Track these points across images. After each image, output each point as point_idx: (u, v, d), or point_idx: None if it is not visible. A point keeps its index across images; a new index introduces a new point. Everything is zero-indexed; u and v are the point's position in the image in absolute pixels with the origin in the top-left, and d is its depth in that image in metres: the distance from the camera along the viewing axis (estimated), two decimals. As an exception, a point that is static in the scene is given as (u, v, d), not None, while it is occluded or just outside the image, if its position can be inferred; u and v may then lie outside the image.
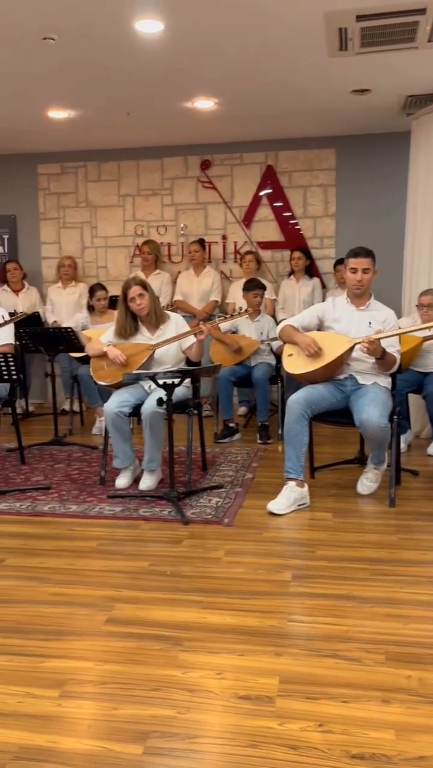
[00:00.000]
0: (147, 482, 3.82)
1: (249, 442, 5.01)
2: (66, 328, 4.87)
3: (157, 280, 6.16)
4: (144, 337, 3.95)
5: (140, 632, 2.23)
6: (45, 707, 1.82)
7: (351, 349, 3.49)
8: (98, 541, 3.08)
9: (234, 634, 2.20)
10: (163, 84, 4.66)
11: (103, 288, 5.46)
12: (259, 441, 4.99)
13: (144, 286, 3.87)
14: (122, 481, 3.90)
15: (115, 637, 2.20)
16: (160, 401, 3.51)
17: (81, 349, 4.96)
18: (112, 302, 5.63)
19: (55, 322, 6.21)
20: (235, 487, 3.84)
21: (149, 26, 3.64)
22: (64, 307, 6.29)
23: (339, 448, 4.73)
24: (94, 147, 6.53)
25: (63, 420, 6.00)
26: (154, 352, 3.87)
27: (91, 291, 5.47)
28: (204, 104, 5.10)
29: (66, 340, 4.90)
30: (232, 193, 6.47)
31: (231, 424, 5.10)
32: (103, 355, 3.95)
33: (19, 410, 5.59)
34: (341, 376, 3.62)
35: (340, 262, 5.71)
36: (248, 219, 6.45)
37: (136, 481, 3.95)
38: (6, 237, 6.91)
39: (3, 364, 3.78)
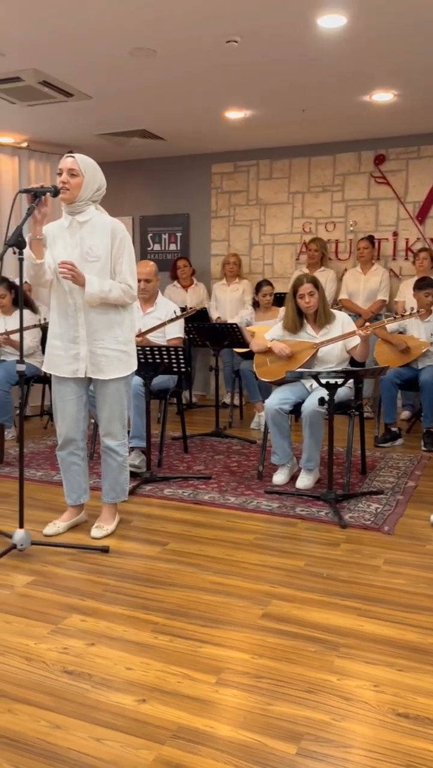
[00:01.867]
0: (304, 481, 3.81)
1: (412, 449, 4.80)
2: (232, 324, 4.98)
3: (322, 278, 6.08)
4: (308, 334, 3.93)
5: (295, 631, 2.22)
6: (203, 691, 1.88)
7: None
8: (255, 534, 3.12)
9: (393, 647, 2.13)
10: (342, 78, 4.58)
11: (270, 284, 5.51)
12: (423, 448, 4.76)
13: (315, 284, 3.85)
14: (280, 478, 3.92)
15: (270, 633, 2.22)
16: (321, 400, 3.48)
17: (245, 344, 5.06)
18: (278, 299, 5.66)
19: (218, 318, 6.39)
20: (396, 495, 3.70)
21: (333, 21, 3.59)
22: (227, 304, 6.44)
23: None
24: (267, 145, 6.60)
25: (223, 413, 6.16)
26: (318, 350, 3.84)
27: (258, 287, 5.54)
28: (382, 97, 4.95)
29: (231, 335, 5.02)
30: (406, 188, 6.22)
31: (393, 429, 4.92)
32: (268, 351, 3.99)
33: (183, 401, 5.82)
34: None
35: None
36: (422, 215, 6.16)
37: (293, 478, 3.95)
38: (179, 235, 7.22)
39: (173, 356, 3.95)
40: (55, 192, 2.79)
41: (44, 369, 3.06)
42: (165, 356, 3.92)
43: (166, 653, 2.08)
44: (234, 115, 5.48)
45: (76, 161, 2.85)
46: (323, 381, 3.41)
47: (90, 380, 3.07)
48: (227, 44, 3.97)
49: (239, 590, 2.54)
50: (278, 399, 3.82)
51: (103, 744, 1.65)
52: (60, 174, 2.86)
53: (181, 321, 4.45)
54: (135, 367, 3.07)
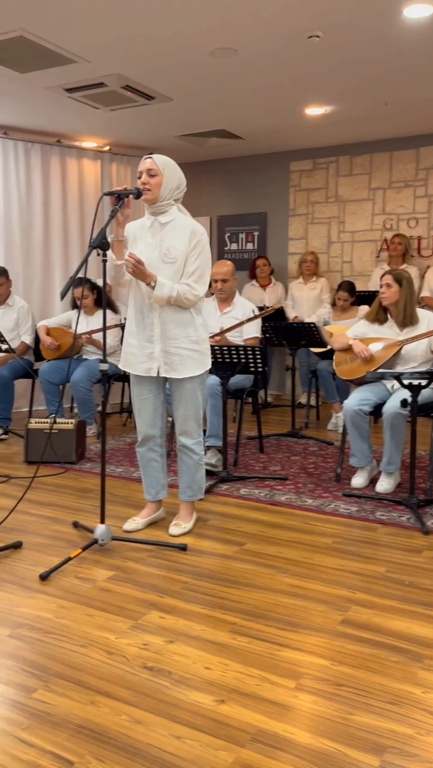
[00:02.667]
0: (384, 485, 3.71)
1: None
2: (309, 323, 4.92)
3: (404, 276, 5.92)
4: (392, 331, 3.82)
5: (376, 639, 2.17)
6: (282, 696, 1.86)
7: None
8: (333, 538, 3.07)
9: None
10: (427, 69, 4.43)
11: (348, 291, 5.36)
12: None
13: (397, 278, 3.75)
14: (358, 481, 3.83)
15: (350, 640, 2.17)
16: (404, 402, 3.37)
17: (322, 344, 4.98)
18: (360, 298, 5.54)
19: (295, 317, 6.32)
20: None
21: (419, 11, 3.48)
22: (304, 302, 6.37)
23: None
24: (347, 141, 6.48)
25: (299, 413, 6.10)
26: (401, 348, 3.73)
27: (338, 287, 5.44)
28: (471, 87, 4.76)
29: (308, 335, 4.96)
30: None
31: None
32: (348, 349, 3.91)
33: (258, 400, 5.80)
34: None
35: None
36: None
37: (372, 482, 3.86)
38: (257, 234, 7.21)
39: (251, 356, 3.94)
40: (138, 194, 2.84)
41: (120, 366, 3.11)
42: (242, 356, 3.91)
43: (244, 655, 2.07)
44: (314, 111, 5.41)
45: (154, 161, 2.89)
46: (406, 382, 3.31)
47: (166, 379, 3.11)
48: (308, 40, 3.91)
49: (318, 594, 2.50)
50: (358, 400, 3.74)
51: (183, 742, 1.66)
52: (140, 176, 2.90)
53: (259, 320, 4.43)
54: (209, 366, 3.07)
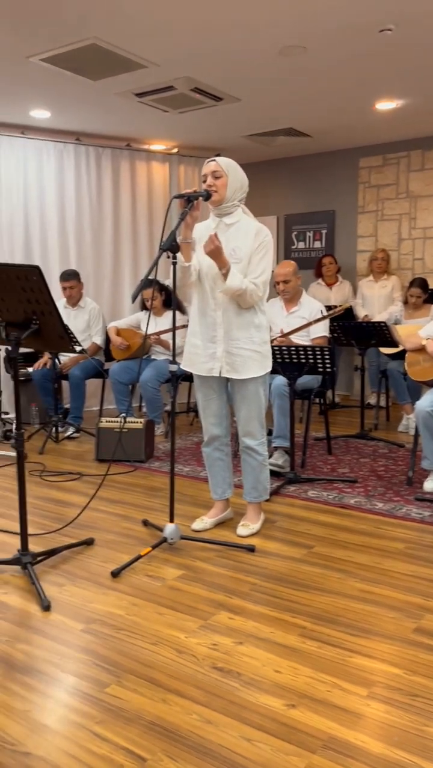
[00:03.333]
0: (458, 489, 3.59)
1: None
2: (379, 323, 4.82)
3: None
4: (466, 334, 3.70)
5: (452, 650, 2.10)
6: (354, 703, 1.83)
7: None
8: (405, 543, 2.99)
9: None
10: None
11: (421, 287, 5.23)
12: None
13: None
14: (431, 485, 3.72)
15: (424, 649, 2.11)
16: None
17: (393, 344, 4.87)
18: (431, 296, 5.39)
19: (366, 316, 6.21)
20: None
21: None
22: (375, 301, 6.24)
23: None
24: (418, 135, 6.31)
25: (368, 414, 5.99)
26: None
27: (410, 284, 5.31)
28: None
29: (378, 334, 4.85)
30: None
31: None
32: (422, 350, 3.81)
33: (326, 401, 5.73)
34: None
35: None
36: None
37: (446, 486, 3.74)
38: (324, 232, 7.12)
39: (318, 356, 3.89)
40: (207, 196, 2.86)
41: (183, 366, 3.11)
42: (310, 356, 3.87)
43: (314, 659, 2.05)
44: (384, 106, 5.30)
45: (218, 163, 2.91)
46: None
47: (228, 379, 3.10)
48: (380, 33, 3.83)
49: (390, 600, 2.44)
50: (430, 401, 3.63)
51: (253, 745, 1.66)
52: (205, 179, 2.92)
53: (327, 320, 4.37)
54: (270, 368, 3.06)
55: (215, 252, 2.80)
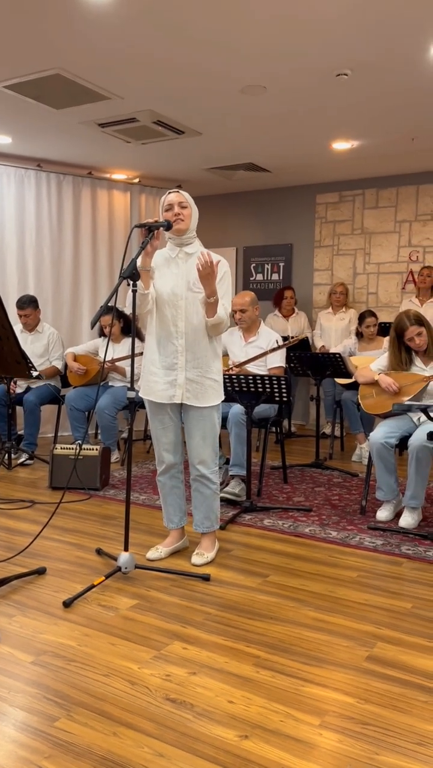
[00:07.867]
0: (408, 520, 3.65)
1: None
2: (334, 354, 4.93)
3: (432, 309, 5.92)
4: (418, 367, 3.81)
5: (404, 678, 2.12)
6: (306, 733, 1.83)
7: None
8: (358, 572, 3.03)
9: None
10: (454, 106, 4.49)
11: (373, 315, 5.41)
12: None
13: (421, 322, 3.74)
14: (384, 514, 3.79)
15: (376, 677, 2.13)
16: (430, 435, 3.34)
17: (347, 374, 4.97)
18: (382, 329, 5.54)
19: (323, 347, 6.33)
20: None
21: (447, 49, 3.54)
22: (333, 333, 6.38)
23: None
24: (373, 174, 6.55)
25: (324, 443, 6.07)
26: (428, 383, 3.71)
27: (361, 318, 5.45)
28: None
29: (333, 365, 4.96)
30: None
31: None
32: (374, 383, 3.90)
33: (282, 430, 5.79)
34: None
35: None
36: None
37: (397, 515, 3.81)
38: (282, 264, 7.27)
39: (276, 385, 3.94)
40: (168, 226, 2.90)
41: (141, 394, 3.11)
42: (267, 385, 3.92)
43: (268, 689, 2.04)
44: (341, 146, 5.49)
45: (182, 194, 2.98)
46: (433, 415, 3.29)
47: (182, 406, 3.11)
48: (337, 77, 4.00)
49: (343, 629, 2.46)
50: (384, 432, 3.72)
51: (205, 778, 1.64)
52: (169, 209, 2.96)
53: (283, 350, 4.45)
54: (223, 397, 3.10)
55: (211, 278, 2.82)
